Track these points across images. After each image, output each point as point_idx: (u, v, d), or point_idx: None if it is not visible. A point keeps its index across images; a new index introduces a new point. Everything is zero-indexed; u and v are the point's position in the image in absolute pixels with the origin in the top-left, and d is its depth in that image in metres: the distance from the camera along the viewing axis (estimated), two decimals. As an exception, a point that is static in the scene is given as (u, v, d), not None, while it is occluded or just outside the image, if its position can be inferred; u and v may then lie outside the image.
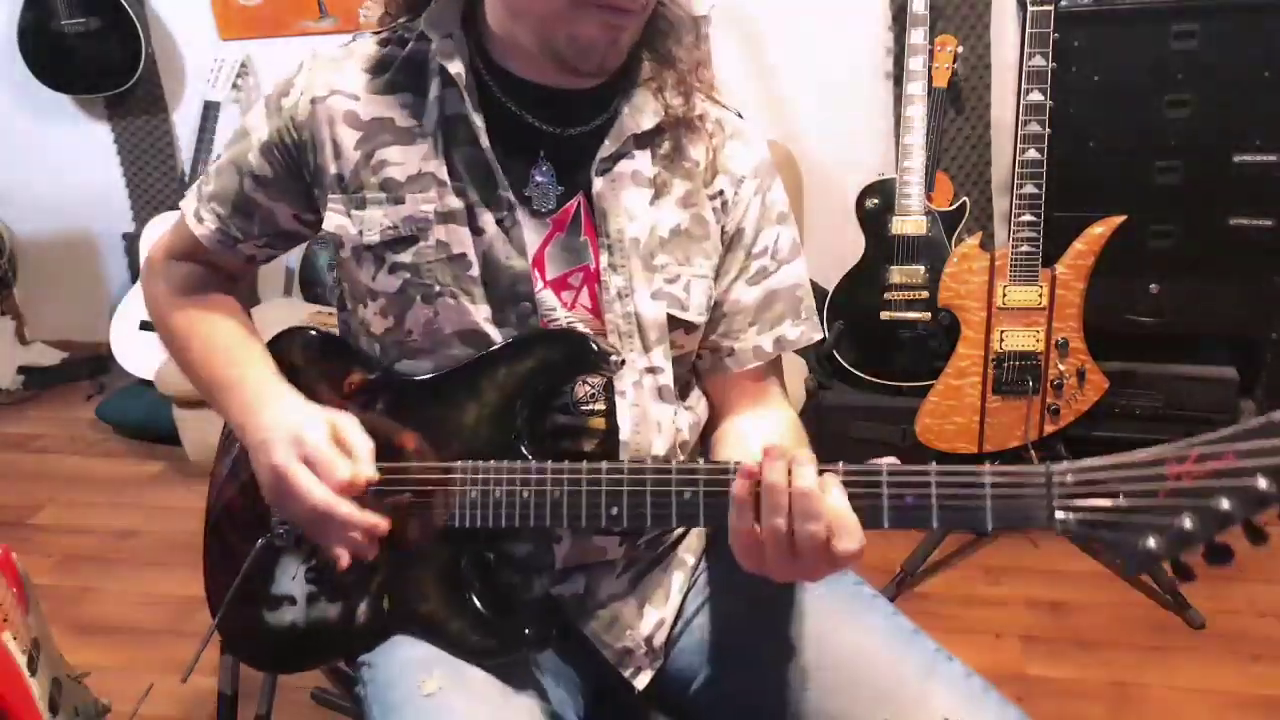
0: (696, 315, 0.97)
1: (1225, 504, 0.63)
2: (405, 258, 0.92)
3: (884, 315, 2.30)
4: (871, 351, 2.35)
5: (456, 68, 0.91)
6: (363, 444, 0.90)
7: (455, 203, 0.91)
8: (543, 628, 0.91)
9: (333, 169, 0.94)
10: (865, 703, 0.89)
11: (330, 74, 0.94)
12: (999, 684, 0.91)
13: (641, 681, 0.98)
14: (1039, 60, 1.95)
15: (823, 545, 0.73)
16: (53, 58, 3.01)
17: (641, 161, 0.95)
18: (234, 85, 2.94)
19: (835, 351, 2.36)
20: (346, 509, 0.86)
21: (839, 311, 2.36)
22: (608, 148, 0.93)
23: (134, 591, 2.24)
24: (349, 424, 0.90)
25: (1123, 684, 1.81)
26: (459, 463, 0.89)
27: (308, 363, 1.01)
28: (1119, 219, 1.95)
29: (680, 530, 1.05)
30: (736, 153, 1.00)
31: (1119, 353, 2.18)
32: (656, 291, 0.94)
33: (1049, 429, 2.06)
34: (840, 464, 0.76)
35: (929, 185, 2.31)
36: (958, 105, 2.59)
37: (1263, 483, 0.62)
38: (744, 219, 0.99)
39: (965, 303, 2.03)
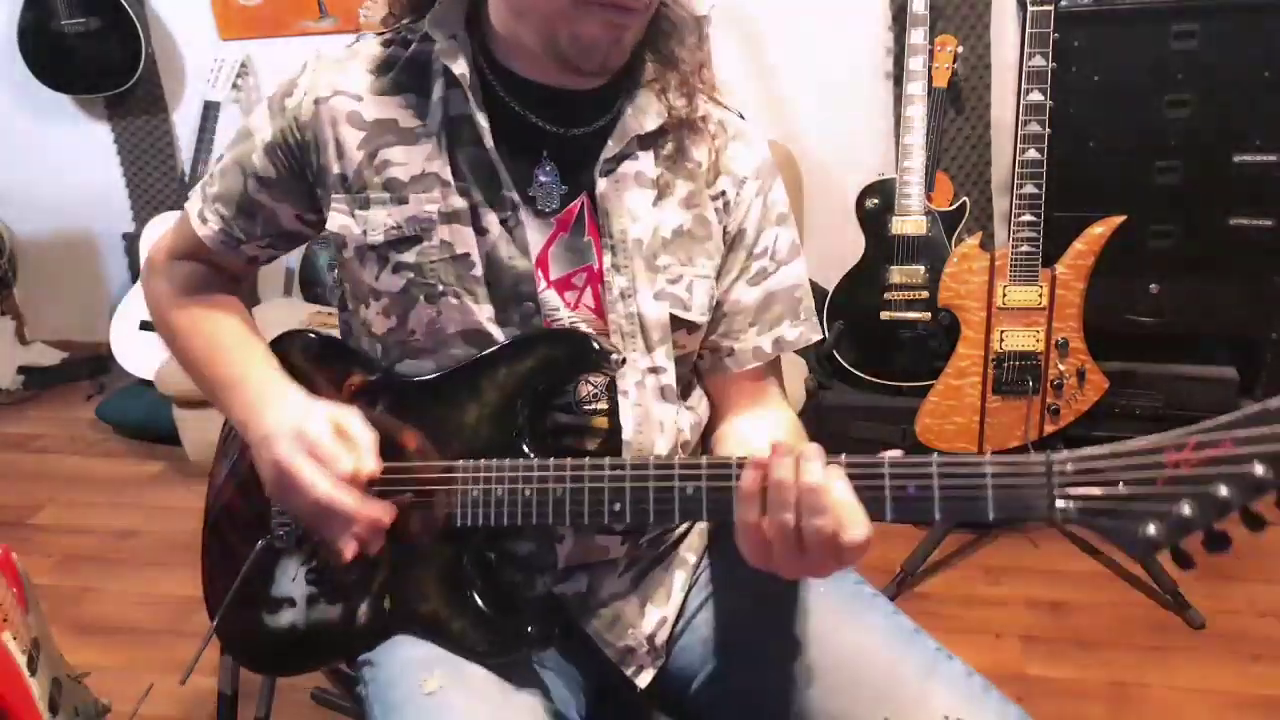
0: (699, 315, 0.97)
1: (1223, 491, 0.64)
2: (409, 257, 0.92)
3: (884, 315, 2.30)
4: (871, 351, 2.35)
5: (461, 68, 0.91)
6: (365, 437, 0.90)
7: (459, 203, 0.91)
8: (545, 626, 0.91)
9: (336, 169, 0.94)
10: (866, 701, 0.89)
11: (334, 74, 0.95)
12: (999, 684, 0.91)
13: (643, 680, 0.99)
14: (1039, 60, 1.95)
15: (830, 539, 0.73)
16: (53, 58, 3.01)
17: (645, 162, 0.95)
18: (234, 85, 2.95)
19: (835, 351, 2.36)
20: (350, 502, 0.86)
21: (839, 311, 2.37)
22: (611, 148, 0.93)
23: (134, 591, 2.24)
24: (351, 418, 0.91)
25: (1123, 684, 1.81)
26: (460, 461, 0.89)
27: (307, 365, 1.01)
28: (1119, 219, 1.95)
29: (682, 529, 1.05)
30: (739, 154, 1.00)
31: (1119, 353, 2.18)
32: (659, 292, 0.94)
33: (1049, 429, 2.06)
34: (843, 456, 0.76)
35: (929, 185, 2.31)
36: (958, 105, 2.59)
37: (1260, 469, 0.63)
38: (745, 219, 1.00)
39: (965, 303, 2.03)
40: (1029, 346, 2.02)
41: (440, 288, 0.92)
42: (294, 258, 2.96)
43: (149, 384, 2.68)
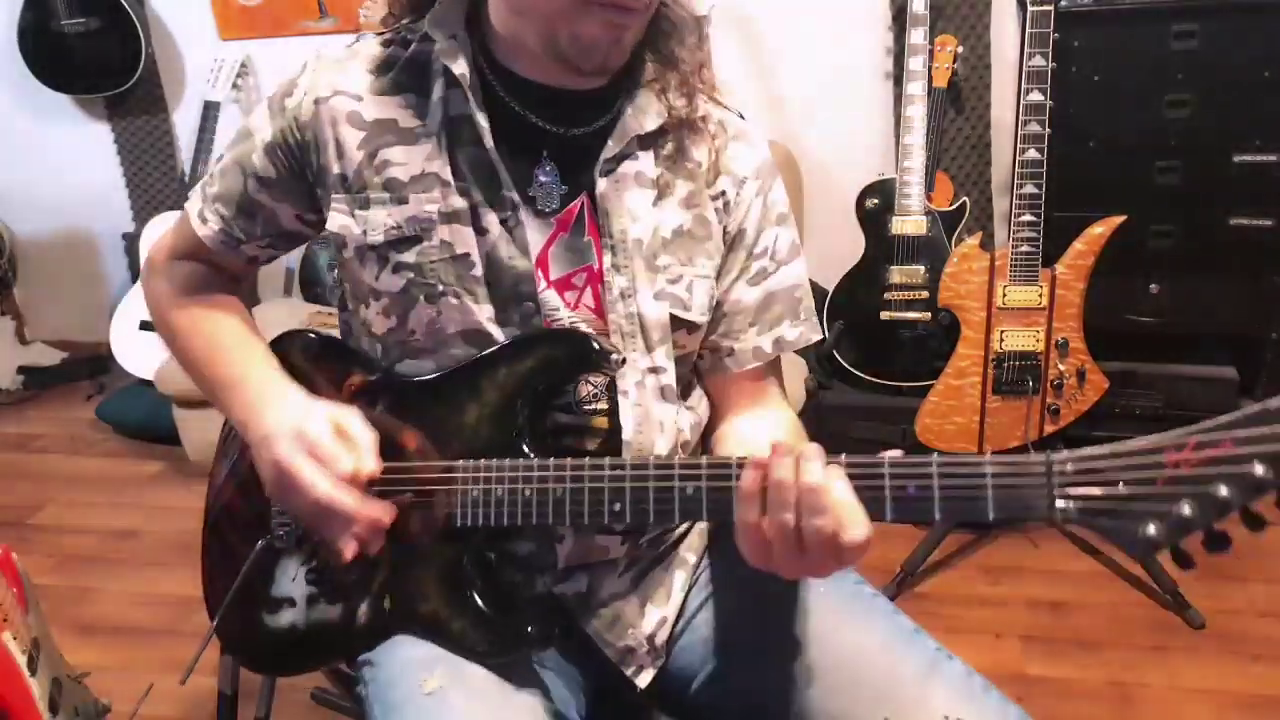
0: (699, 315, 0.97)
1: (1223, 490, 0.64)
2: (409, 257, 0.92)
3: (884, 315, 2.30)
4: (871, 351, 2.35)
5: (461, 68, 0.91)
6: (365, 437, 0.90)
7: (459, 202, 0.91)
8: (545, 626, 0.91)
9: (336, 169, 0.94)
10: (866, 701, 0.89)
11: (334, 74, 0.95)
12: (999, 684, 0.91)
13: (643, 680, 0.99)
14: (1039, 60, 1.95)
15: (830, 540, 0.73)
16: (53, 58, 3.01)
17: (645, 162, 0.95)
18: (234, 85, 2.95)
19: (835, 351, 2.36)
20: (350, 501, 0.86)
21: (839, 311, 2.37)
22: (611, 148, 0.93)
23: (134, 591, 2.24)
24: (351, 418, 0.91)
25: (1123, 684, 1.81)
26: (460, 461, 0.89)
27: (307, 365, 1.01)
28: (1119, 219, 1.95)
29: (682, 529, 1.05)
30: (739, 154, 1.00)
31: (1119, 353, 2.18)
32: (659, 292, 0.94)
33: (1049, 429, 2.06)
34: (843, 456, 0.76)
35: (929, 185, 2.31)
36: (958, 105, 2.59)
37: (1260, 469, 0.63)
38: (745, 219, 1.00)
39: (965, 303, 2.03)
40: (1029, 346, 2.02)
41: (440, 288, 0.92)
42: (294, 258, 2.97)
43: (149, 384, 2.68)
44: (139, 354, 2.90)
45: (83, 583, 2.28)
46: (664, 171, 0.96)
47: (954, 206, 2.29)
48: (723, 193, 0.99)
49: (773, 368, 1.05)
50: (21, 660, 1.37)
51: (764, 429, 1.00)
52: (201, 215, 1.02)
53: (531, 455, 0.89)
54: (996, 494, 0.71)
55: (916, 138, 2.28)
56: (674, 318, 0.95)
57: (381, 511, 0.88)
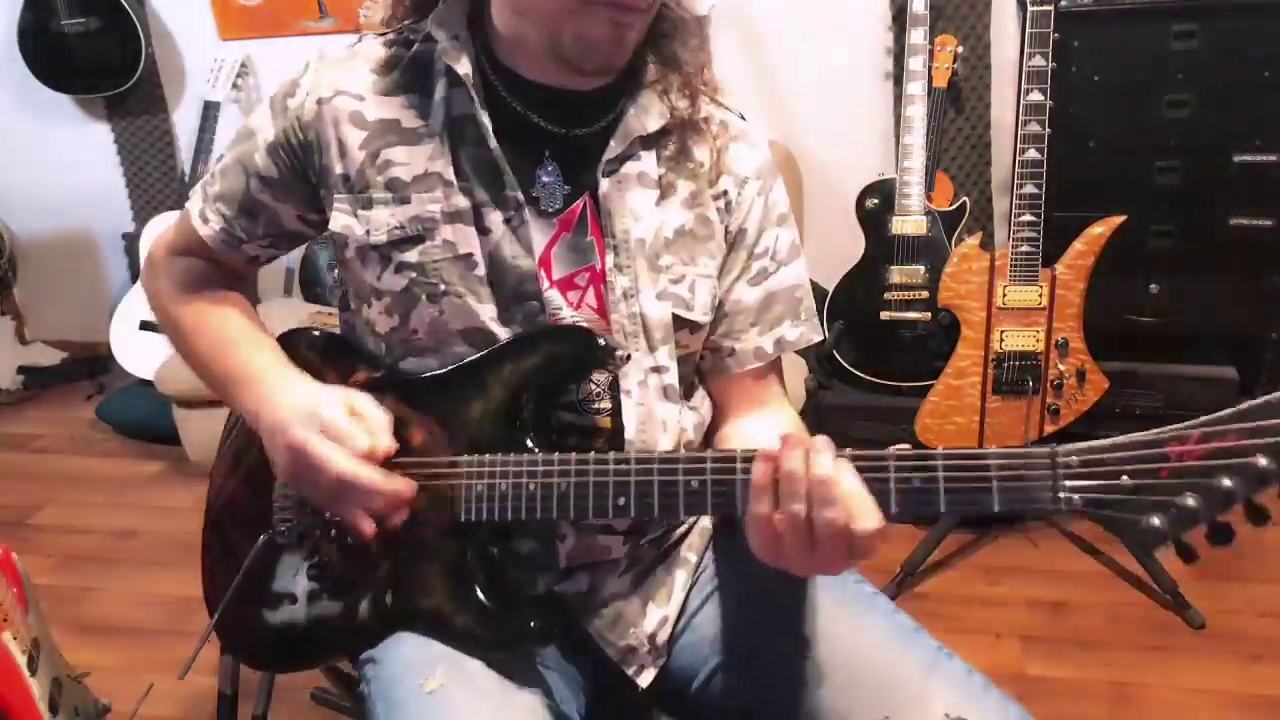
0: (701, 315, 0.97)
1: (1227, 482, 0.64)
2: (411, 257, 0.92)
3: (884, 315, 2.30)
4: (871, 351, 2.35)
5: (464, 68, 0.91)
6: (379, 417, 0.90)
7: (462, 202, 0.91)
8: (548, 621, 0.91)
9: (338, 169, 0.94)
10: (866, 700, 0.89)
11: (336, 74, 0.95)
12: (999, 684, 0.90)
13: (645, 679, 0.99)
14: (1039, 60, 1.95)
15: (841, 531, 0.73)
16: (53, 58, 3.01)
17: (647, 163, 0.95)
18: (234, 85, 2.95)
19: (835, 351, 2.36)
20: (371, 474, 0.86)
21: (839, 311, 2.37)
22: (613, 149, 0.93)
23: (134, 591, 2.24)
24: (364, 399, 0.91)
25: (1123, 684, 1.81)
26: (465, 456, 0.89)
27: (312, 362, 1.01)
28: (1119, 219, 1.95)
29: (683, 528, 1.05)
30: (740, 154, 1.00)
31: (1119, 353, 2.18)
32: (662, 292, 0.95)
33: (1049, 429, 2.06)
34: (848, 450, 0.76)
35: (929, 185, 2.31)
36: (958, 105, 2.59)
37: (1263, 461, 0.63)
38: (747, 219, 1.00)
39: (965, 303, 2.03)
40: (1029, 346, 2.02)
41: (442, 287, 0.92)
42: (294, 258, 2.96)
43: (149, 384, 2.68)
44: (139, 354, 2.90)
45: (83, 583, 2.28)
46: (666, 171, 0.96)
47: (954, 206, 2.29)
48: (724, 192, 0.99)
49: (774, 368, 1.05)
50: (21, 660, 1.37)
51: (767, 430, 1.00)
52: (203, 214, 1.02)
53: (536, 451, 0.89)
54: (1001, 486, 0.71)
55: (916, 138, 2.28)
56: (676, 317, 0.95)
57: (403, 484, 0.88)
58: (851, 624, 0.95)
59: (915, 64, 2.29)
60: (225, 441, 1.12)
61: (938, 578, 2.13)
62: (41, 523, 2.58)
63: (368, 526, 0.88)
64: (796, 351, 1.06)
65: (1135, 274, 2.20)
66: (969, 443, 2.07)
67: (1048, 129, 1.95)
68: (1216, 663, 1.84)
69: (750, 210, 1.00)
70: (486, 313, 0.92)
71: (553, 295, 0.93)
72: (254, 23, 3.01)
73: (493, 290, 0.92)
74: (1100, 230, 1.95)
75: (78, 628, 2.09)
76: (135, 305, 2.95)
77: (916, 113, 2.28)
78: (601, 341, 0.89)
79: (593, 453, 0.85)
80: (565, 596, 0.97)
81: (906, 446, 0.75)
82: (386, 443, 0.89)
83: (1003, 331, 2.02)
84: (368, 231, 0.93)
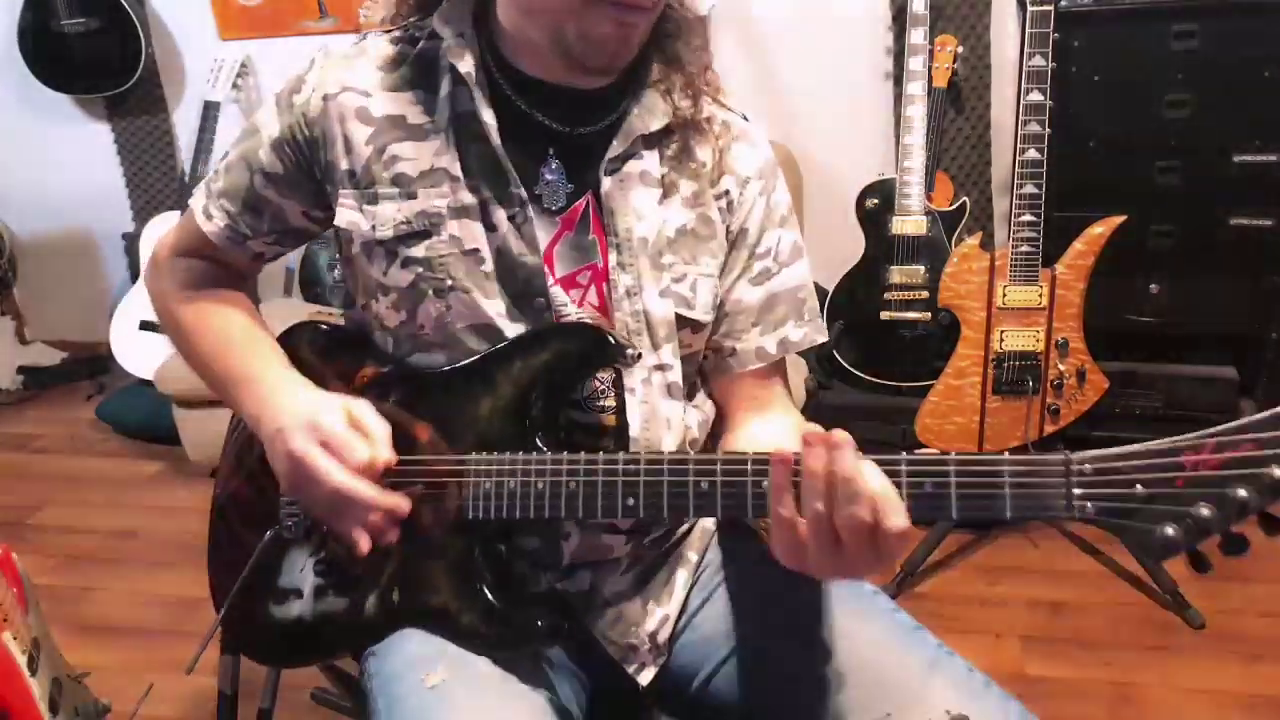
0: (703, 314, 0.97)
1: (1242, 493, 0.64)
2: (418, 252, 0.92)
3: (884, 315, 2.30)
4: (871, 351, 2.35)
5: (466, 66, 0.91)
6: (379, 427, 0.90)
7: (468, 198, 0.92)
8: (554, 620, 0.91)
9: (344, 164, 0.94)
10: (867, 698, 0.89)
11: (342, 71, 0.95)
12: (999, 684, 0.90)
13: (645, 678, 0.99)
14: (1039, 60, 1.95)
15: (867, 528, 0.72)
16: (53, 58, 3.01)
17: (650, 162, 0.95)
18: (234, 85, 2.95)
19: (835, 351, 2.36)
20: (367, 490, 0.86)
21: (839, 311, 2.37)
22: (616, 148, 0.93)
23: (134, 591, 2.24)
24: (364, 409, 0.91)
25: (1123, 684, 1.81)
26: (473, 454, 0.89)
27: (319, 357, 1.02)
28: (1119, 219, 1.96)
29: (685, 527, 1.05)
30: (742, 154, 1.01)
31: (1119, 353, 2.19)
32: (664, 290, 0.95)
33: (1049, 429, 2.06)
34: (861, 452, 0.75)
35: (929, 185, 2.31)
36: (958, 105, 2.59)
37: (1278, 471, 0.63)
38: (748, 219, 1.00)
39: (965, 303, 2.03)
40: (1029, 346, 2.02)
41: (449, 282, 0.92)
42: (294, 258, 2.96)
43: (149, 384, 2.68)
44: (139, 354, 2.90)
45: (83, 583, 2.28)
46: (669, 171, 0.96)
47: (954, 206, 2.29)
48: (726, 192, 0.99)
49: (778, 370, 1.05)
50: (21, 660, 1.37)
51: (772, 433, 1.00)
52: (206, 211, 1.02)
53: (544, 449, 0.89)
54: (1014, 493, 0.71)
55: (916, 138, 2.28)
56: (679, 316, 0.96)
57: (399, 500, 0.88)
58: (852, 623, 0.94)
59: (915, 64, 2.29)
60: (231, 437, 1.12)
61: (938, 578, 2.13)
62: (41, 523, 2.58)
63: (363, 541, 0.88)
64: (797, 351, 1.06)
65: (1135, 274, 2.20)
66: (969, 443, 2.08)
67: (1048, 129, 1.95)
68: (1216, 663, 1.84)
69: (752, 210, 1.00)
70: (494, 308, 0.92)
71: (557, 292, 0.93)
72: (254, 23, 3.01)
73: (501, 286, 0.92)
74: (1100, 230, 1.95)
75: (78, 628, 2.09)
76: (135, 305, 2.95)
77: (916, 113, 2.28)
78: (612, 339, 0.89)
79: (601, 453, 0.85)
80: (567, 594, 0.97)
81: (934, 450, 0.74)
82: (386, 454, 0.89)
83: (1003, 331, 2.02)
84: (374, 227, 0.93)
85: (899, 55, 2.56)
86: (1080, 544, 2.19)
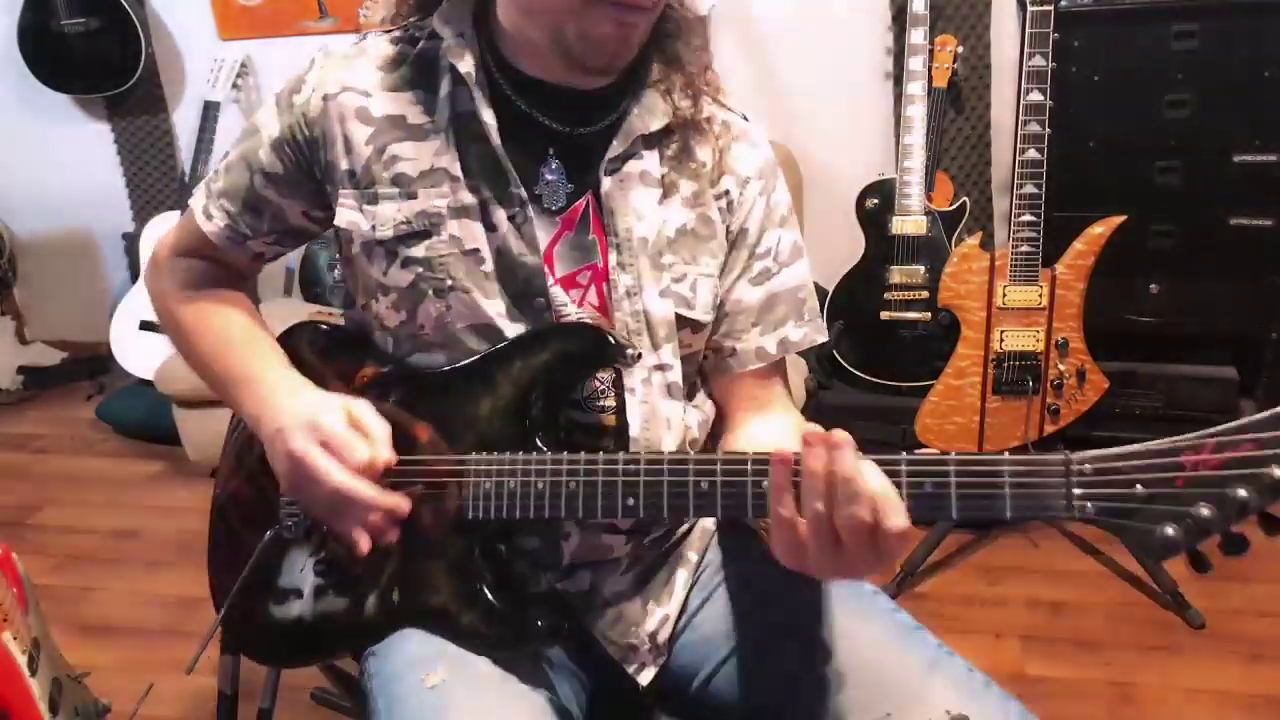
0: (703, 314, 0.97)
1: (1242, 493, 0.64)
2: (418, 252, 0.92)
3: (884, 315, 2.30)
4: (871, 351, 2.35)
5: (466, 66, 0.91)
6: (379, 427, 0.90)
7: (468, 198, 0.92)
8: (554, 621, 0.91)
9: (344, 164, 0.94)
10: (867, 698, 0.89)
11: (342, 71, 0.95)
12: (998, 684, 0.90)
13: (645, 678, 0.99)
14: (1039, 60, 1.95)
15: (867, 528, 0.72)
16: (53, 58, 3.01)
17: (650, 161, 0.95)
18: (234, 85, 2.95)
19: (835, 351, 2.37)
20: (367, 490, 0.86)
21: (839, 311, 2.37)
22: (616, 148, 0.93)
23: (134, 591, 2.24)
24: (364, 409, 0.91)
25: (1123, 684, 1.81)
26: (473, 454, 0.89)
27: (319, 357, 1.02)
28: (1119, 219, 1.96)
29: (685, 527, 1.05)
30: (742, 154, 1.01)
31: (1119, 353, 2.19)
32: (664, 290, 0.95)
33: (1049, 429, 2.06)
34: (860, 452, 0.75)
35: (929, 185, 2.32)
36: (958, 105, 2.59)
37: (1279, 471, 0.63)
38: (748, 219, 1.00)
39: (965, 303, 2.04)
40: (1029, 346, 2.02)
41: (449, 282, 0.92)
42: (294, 258, 2.96)
43: (149, 384, 2.68)
44: (139, 354, 2.90)
45: (83, 583, 2.28)
46: (669, 171, 0.96)
47: (954, 206, 2.29)
48: (726, 192, 0.99)
49: (778, 371, 1.05)
50: (21, 660, 1.37)
51: (772, 434, 1.00)
52: (206, 211, 1.02)
53: (544, 449, 0.89)
54: (1014, 493, 0.71)
55: (916, 138, 2.28)
56: (679, 316, 0.95)
57: (399, 500, 0.88)
58: (852, 622, 0.94)
59: (915, 64, 2.29)
60: (231, 436, 1.12)
61: (938, 578, 2.13)
62: (41, 523, 2.58)
63: (363, 541, 0.88)
64: (797, 352, 1.06)
65: (1135, 274, 2.20)
66: (969, 443, 2.08)
67: (1048, 129, 1.95)
68: (1216, 663, 1.84)
69: (752, 210, 1.00)
70: (494, 308, 0.92)
71: (557, 292, 0.93)
72: (254, 23, 3.01)
73: (501, 286, 0.92)
74: (1100, 230, 1.95)
75: (78, 628, 2.09)
76: (135, 305, 2.95)
77: (916, 113, 2.28)
78: (612, 340, 0.89)
79: (601, 453, 0.85)
80: (567, 594, 0.97)
81: (934, 450, 0.74)
82: (386, 454, 0.89)
83: (1003, 331, 2.02)
84: (374, 227, 0.93)
85: (899, 55, 2.56)
86: (1080, 544, 2.19)
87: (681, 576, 1.03)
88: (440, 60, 0.94)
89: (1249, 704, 1.74)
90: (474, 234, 0.92)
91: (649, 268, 0.94)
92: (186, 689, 1.84)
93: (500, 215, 0.92)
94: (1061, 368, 2.02)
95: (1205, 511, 0.65)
